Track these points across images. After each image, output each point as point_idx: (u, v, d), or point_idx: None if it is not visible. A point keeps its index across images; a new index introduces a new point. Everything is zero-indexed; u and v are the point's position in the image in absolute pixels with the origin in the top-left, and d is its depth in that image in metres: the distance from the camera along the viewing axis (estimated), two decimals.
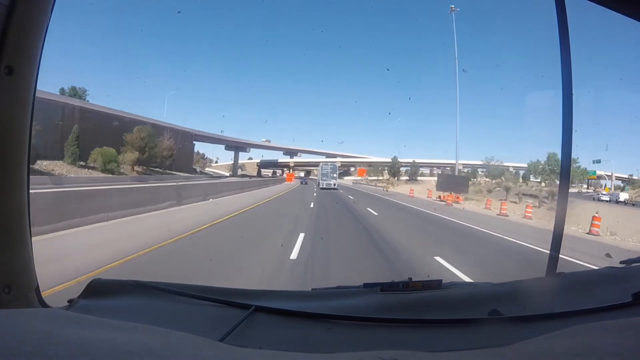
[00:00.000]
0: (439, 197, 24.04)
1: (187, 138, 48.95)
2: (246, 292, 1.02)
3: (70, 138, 29.46)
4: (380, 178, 55.12)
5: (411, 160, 56.67)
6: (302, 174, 69.80)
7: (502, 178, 38.57)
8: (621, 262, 1.38)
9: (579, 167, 31.21)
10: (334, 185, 33.35)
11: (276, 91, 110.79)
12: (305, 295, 1.18)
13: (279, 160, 68.24)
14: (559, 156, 1.62)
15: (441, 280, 1.14)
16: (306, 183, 44.81)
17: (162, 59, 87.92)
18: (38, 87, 0.89)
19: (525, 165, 41.23)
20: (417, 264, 5.67)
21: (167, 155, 41.66)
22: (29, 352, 0.46)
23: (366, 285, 1.07)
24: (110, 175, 29.21)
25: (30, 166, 0.94)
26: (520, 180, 40.45)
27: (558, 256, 1.47)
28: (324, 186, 32.17)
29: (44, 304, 0.95)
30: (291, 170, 63.94)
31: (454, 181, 28.28)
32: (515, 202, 24.41)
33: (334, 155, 65.32)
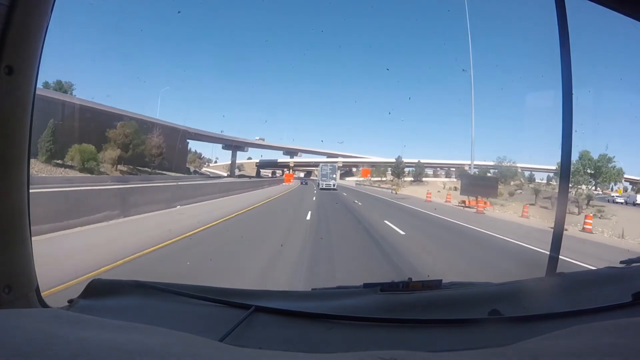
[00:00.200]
0: (463, 202, 20.53)
1: (180, 136, 46.68)
2: (246, 292, 1.02)
3: (45, 134, 26.53)
4: (384, 179, 53.69)
5: (416, 161, 54.68)
6: (302, 175, 69.60)
7: (521, 179, 36.52)
8: (621, 262, 1.39)
9: (614, 166, 26.78)
10: (333, 185, 33.72)
11: (276, 91, 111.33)
12: (305, 295, 1.17)
13: (278, 160, 67.81)
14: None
15: (441, 280, 1.14)
16: (306, 183, 45.04)
17: (162, 58, 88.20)
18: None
19: (535, 167, 39.72)
20: None
21: (156, 154, 39.01)
22: (29, 352, 0.46)
23: (366, 285, 1.06)
24: (89, 175, 26.52)
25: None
26: (541, 181, 37.77)
27: (558, 256, 1.47)
28: (324, 186, 32.65)
29: (44, 304, 0.95)
30: (291, 170, 63.53)
31: (480, 183, 23.07)
32: (545, 208, 21.25)
33: (335, 155, 64.62)
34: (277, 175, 62.18)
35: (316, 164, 43.78)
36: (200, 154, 69.59)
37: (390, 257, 5.94)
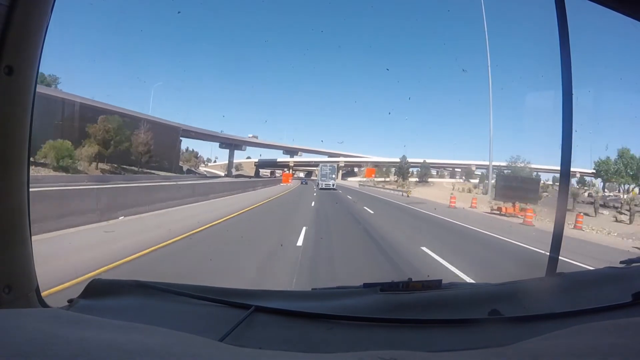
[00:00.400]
0: (498, 208, 17.04)
1: (171, 133, 43.87)
2: (246, 292, 1.02)
3: None
4: (387, 179, 52.28)
5: (421, 161, 52.77)
6: (302, 175, 69.24)
7: (544, 182, 31.57)
8: (621, 262, 1.39)
9: None
10: (333, 185, 34.05)
11: (276, 91, 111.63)
12: (305, 295, 1.17)
13: (278, 160, 67.41)
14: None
15: (441, 280, 1.14)
16: (306, 183, 45.20)
17: (162, 58, 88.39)
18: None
19: (536, 167, 36.85)
20: None
21: (143, 151, 36.07)
22: (29, 352, 0.46)
23: (366, 285, 1.06)
24: (63, 174, 23.86)
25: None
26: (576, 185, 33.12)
27: (558, 257, 1.47)
28: (323, 186, 33.02)
29: (44, 304, 0.95)
30: (290, 170, 63.14)
31: (520, 186, 18.56)
32: (587, 215, 17.45)
33: (337, 155, 63.98)
34: (277, 175, 61.53)
35: (317, 164, 43.60)
36: (197, 153, 69.44)
37: None
